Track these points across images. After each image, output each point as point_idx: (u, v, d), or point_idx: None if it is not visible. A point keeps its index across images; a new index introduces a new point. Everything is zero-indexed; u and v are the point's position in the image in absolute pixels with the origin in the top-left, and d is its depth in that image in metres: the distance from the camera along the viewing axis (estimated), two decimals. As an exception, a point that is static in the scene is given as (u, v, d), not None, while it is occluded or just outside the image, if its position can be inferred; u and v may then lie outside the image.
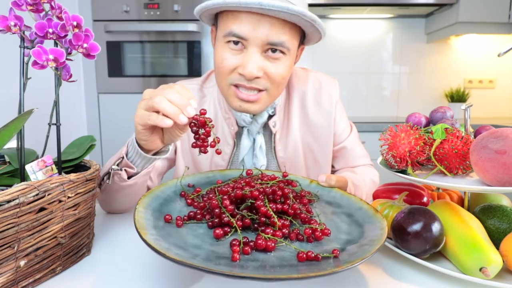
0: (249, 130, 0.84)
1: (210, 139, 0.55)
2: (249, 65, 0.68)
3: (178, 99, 0.52)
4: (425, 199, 0.65)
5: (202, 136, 0.54)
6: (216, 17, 0.74)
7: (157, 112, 0.54)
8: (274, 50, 0.70)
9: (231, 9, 0.67)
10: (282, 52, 0.71)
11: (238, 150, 0.86)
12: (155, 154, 0.66)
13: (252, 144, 0.84)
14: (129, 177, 0.66)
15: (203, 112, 0.54)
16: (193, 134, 0.54)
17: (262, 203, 0.49)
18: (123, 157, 0.64)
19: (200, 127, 0.54)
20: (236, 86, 0.73)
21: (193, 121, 0.53)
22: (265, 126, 0.86)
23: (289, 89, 0.89)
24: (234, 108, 0.75)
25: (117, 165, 0.64)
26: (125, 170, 0.65)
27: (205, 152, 0.54)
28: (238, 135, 0.85)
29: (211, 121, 0.54)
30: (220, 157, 0.85)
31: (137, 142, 0.63)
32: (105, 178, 0.65)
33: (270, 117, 0.85)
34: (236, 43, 0.69)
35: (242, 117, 0.80)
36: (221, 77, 0.73)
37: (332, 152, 0.92)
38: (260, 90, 0.73)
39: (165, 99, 0.52)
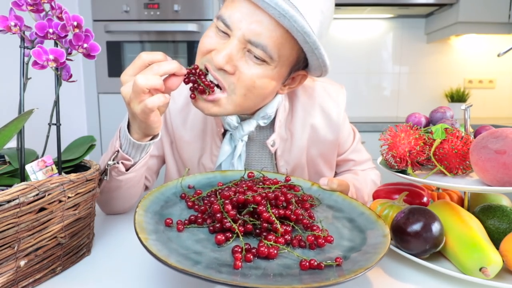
0: (232, 135, 0.78)
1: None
2: (221, 53, 0.60)
3: (171, 66, 0.56)
4: (425, 199, 0.65)
5: (204, 80, 0.62)
6: None
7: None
8: (254, 55, 0.61)
9: None
10: (262, 60, 0.61)
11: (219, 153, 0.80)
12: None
13: (233, 151, 0.79)
14: (126, 170, 0.66)
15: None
16: (190, 87, 0.62)
17: (264, 209, 0.49)
18: (118, 151, 0.63)
19: (195, 76, 0.61)
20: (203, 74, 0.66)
21: (186, 76, 0.60)
22: (264, 142, 0.81)
23: (293, 101, 0.82)
24: (192, 103, 0.67)
25: (113, 159, 0.63)
26: (122, 163, 0.64)
27: (213, 91, 0.63)
28: (223, 138, 0.80)
29: (197, 68, 0.61)
30: (209, 159, 0.81)
31: (129, 133, 0.62)
32: (102, 177, 0.64)
33: (267, 130, 0.81)
34: (223, 33, 0.63)
35: (228, 120, 0.74)
36: (197, 53, 0.67)
37: (336, 161, 0.90)
38: (221, 90, 0.64)
39: (155, 64, 0.55)
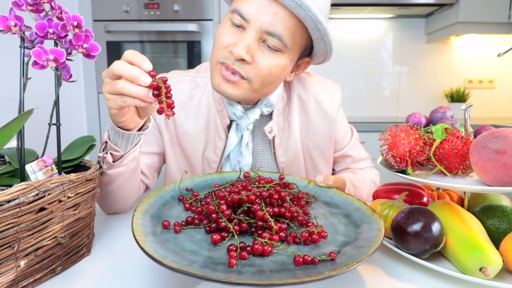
0: (238, 125, 0.81)
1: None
2: (240, 44, 0.65)
3: (131, 72, 0.52)
4: (425, 199, 0.65)
5: (161, 98, 0.51)
6: None
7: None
8: (270, 45, 0.66)
9: None
10: (277, 49, 0.67)
11: (226, 143, 0.83)
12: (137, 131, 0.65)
13: (240, 141, 0.82)
14: (115, 161, 0.65)
15: (153, 75, 0.52)
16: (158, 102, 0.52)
17: (258, 207, 0.49)
18: (106, 142, 0.64)
19: (157, 90, 0.51)
20: (222, 64, 0.69)
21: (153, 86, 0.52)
22: (263, 131, 0.84)
23: (290, 93, 0.86)
24: (214, 86, 0.71)
25: (102, 150, 0.64)
26: (111, 153, 0.64)
27: (168, 115, 0.51)
28: (229, 130, 0.83)
29: (165, 81, 0.51)
30: (212, 151, 0.83)
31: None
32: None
33: (267, 119, 0.83)
34: (238, 26, 0.67)
35: (233, 110, 0.78)
36: (213, 52, 0.71)
37: (334, 158, 0.92)
38: (242, 78, 0.68)
39: (123, 80, 0.52)
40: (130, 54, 0.54)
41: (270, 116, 0.84)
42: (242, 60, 0.66)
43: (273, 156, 0.85)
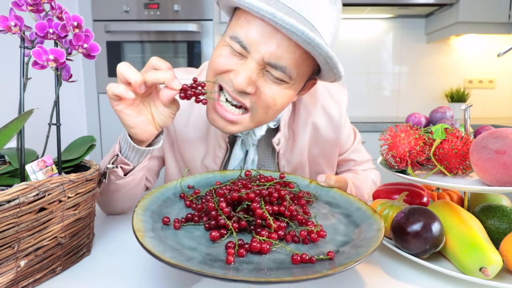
0: (243, 140, 0.79)
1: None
2: (241, 75, 0.59)
3: (161, 75, 0.55)
4: (425, 199, 0.65)
5: (198, 91, 0.57)
6: (235, 11, 0.65)
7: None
8: (274, 76, 0.61)
9: (244, 8, 0.57)
10: (281, 80, 0.61)
11: (230, 158, 0.81)
12: (148, 146, 0.65)
13: (244, 156, 0.80)
14: (125, 174, 0.66)
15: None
16: (195, 100, 0.58)
17: (258, 205, 0.49)
18: (117, 155, 0.63)
19: (193, 90, 0.57)
20: (221, 88, 0.65)
21: (182, 91, 0.57)
22: (268, 141, 0.82)
23: (295, 102, 0.83)
24: (209, 119, 0.67)
25: (112, 163, 0.63)
26: (120, 167, 0.64)
27: (204, 103, 0.58)
28: (230, 140, 0.80)
29: (195, 81, 0.57)
30: (212, 160, 0.81)
31: (129, 136, 0.62)
32: (101, 179, 0.64)
33: (272, 130, 0.81)
34: (238, 53, 0.61)
35: None
36: (210, 71, 0.65)
37: (337, 161, 0.91)
38: (244, 108, 0.64)
39: (153, 72, 0.55)
40: (160, 64, 0.57)
41: (275, 127, 0.81)
42: (244, 92, 0.61)
43: (276, 167, 0.84)
